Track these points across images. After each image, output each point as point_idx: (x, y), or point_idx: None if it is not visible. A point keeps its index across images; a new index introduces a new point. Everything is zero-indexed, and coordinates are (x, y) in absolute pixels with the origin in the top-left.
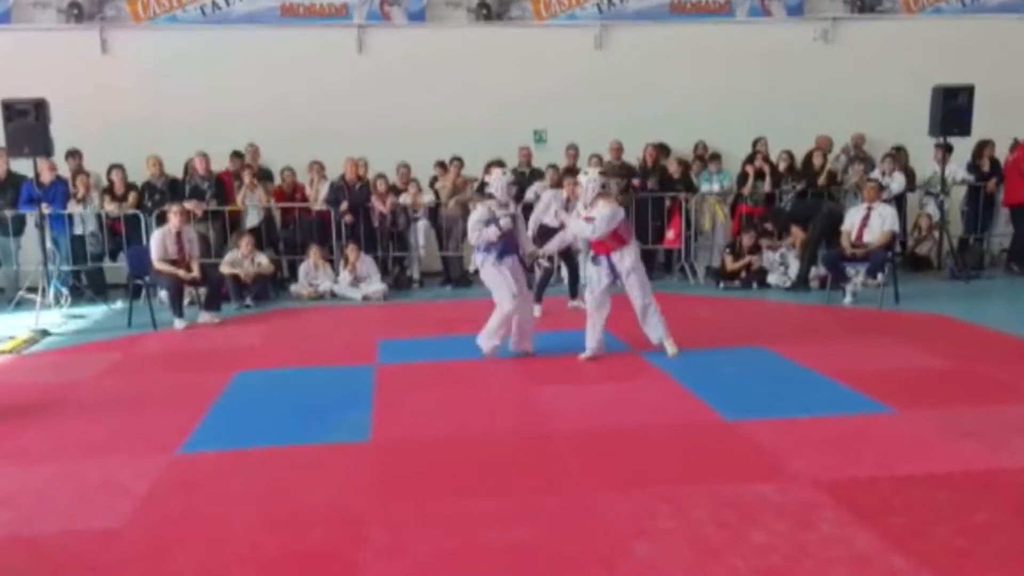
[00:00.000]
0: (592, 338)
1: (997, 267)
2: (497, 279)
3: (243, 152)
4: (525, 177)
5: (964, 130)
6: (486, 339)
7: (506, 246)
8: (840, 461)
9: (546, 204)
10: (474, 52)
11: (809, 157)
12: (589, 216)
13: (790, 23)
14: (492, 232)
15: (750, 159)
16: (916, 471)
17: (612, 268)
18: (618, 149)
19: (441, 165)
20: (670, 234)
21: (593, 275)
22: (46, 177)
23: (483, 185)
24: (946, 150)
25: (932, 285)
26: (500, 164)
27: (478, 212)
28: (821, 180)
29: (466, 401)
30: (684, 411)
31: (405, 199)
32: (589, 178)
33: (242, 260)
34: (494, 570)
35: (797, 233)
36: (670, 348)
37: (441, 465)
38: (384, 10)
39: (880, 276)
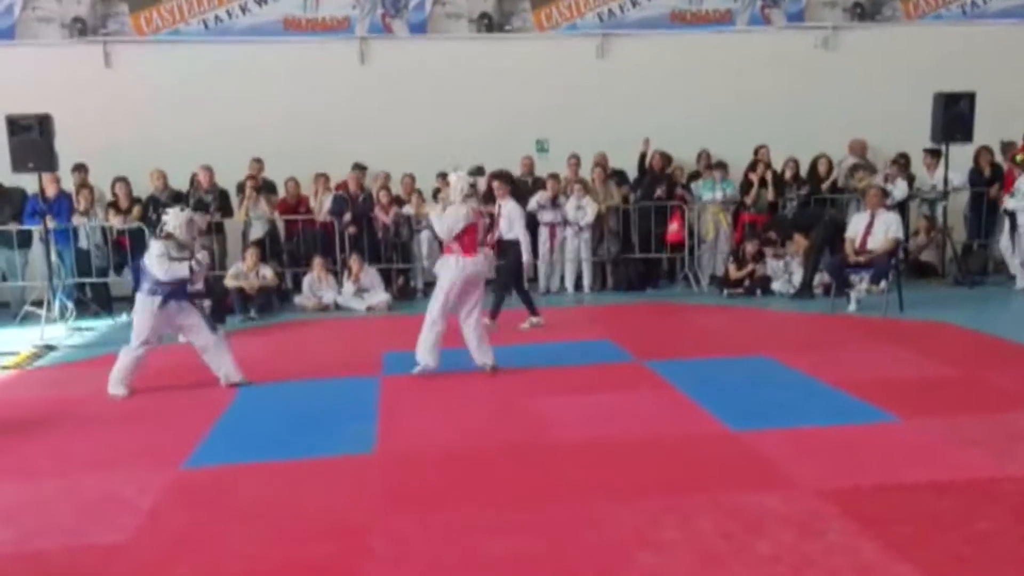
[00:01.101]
0: (428, 352)
1: (1001, 273)
2: (142, 317)
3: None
4: (527, 186)
5: (966, 136)
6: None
7: (174, 291)
8: (845, 470)
9: (507, 218)
10: (476, 63)
11: (814, 164)
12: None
13: (791, 31)
14: (182, 269)
15: (752, 167)
16: (921, 479)
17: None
18: (602, 164)
19: (443, 177)
20: (673, 226)
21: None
22: (50, 191)
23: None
24: (936, 155)
25: (936, 292)
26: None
27: (158, 248)
28: (825, 186)
29: (470, 412)
30: (688, 421)
31: (408, 210)
32: (458, 176)
33: (247, 273)
34: None
35: (800, 241)
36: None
37: (445, 476)
38: (386, 22)
39: (884, 283)
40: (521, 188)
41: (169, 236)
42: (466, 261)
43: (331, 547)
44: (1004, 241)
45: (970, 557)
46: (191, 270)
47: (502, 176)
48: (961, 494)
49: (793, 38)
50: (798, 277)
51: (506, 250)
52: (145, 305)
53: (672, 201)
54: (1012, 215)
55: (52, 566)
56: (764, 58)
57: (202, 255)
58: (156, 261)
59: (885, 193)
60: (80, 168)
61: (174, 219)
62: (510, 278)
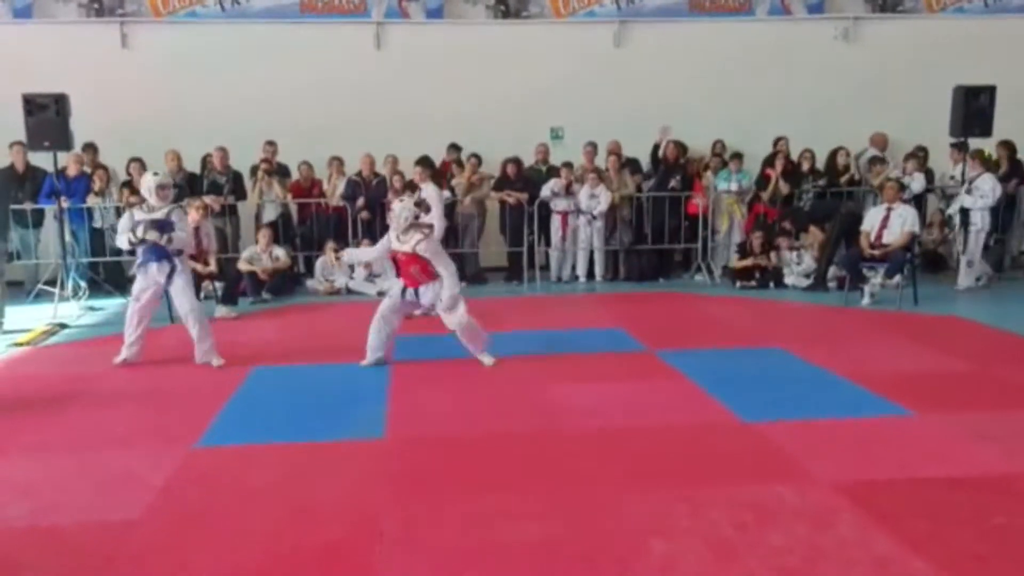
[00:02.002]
0: (378, 344)
1: (1018, 269)
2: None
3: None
4: (541, 175)
5: (985, 131)
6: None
7: (149, 252)
8: (858, 463)
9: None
10: (492, 49)
11: (833, 156)
12: (403, 250)
13: (810, 22)
14: (123, 241)
15: (770, 161)
16: (934, 474)
17: (417, 299)
18: (617, 152)
19: (457, 163)
20: (697, 199)
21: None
22: (73, 170)
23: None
24: (961, 149)
25: (951, 287)
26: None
27: (125, 214)
28: (844, 179)
29: (481, 398)
30: (700, 411)
31: (422, 195)
32: (403, 206)
33: (260, 254)
34: (508, 567)
35: (815, 233)
36: (486, 360)
37: (456, 462)
38: (402, 7)
39: (899, 277)
40: (533, 176)
41: (142, 200)
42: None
43: (341, 531)
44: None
45: (984, 553)
46: (130, 242)
47: (422, 162)
48: (975, 489)
49: (813, 29)
50: (809, 267)
51: None
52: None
53: (687, 192)
54: (966, 213)
55: (65, 541)
56: (783, 49)
57: (178, 235)
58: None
59: (902, 186)
60: (89, 147)
61: (146, 182)
62: None
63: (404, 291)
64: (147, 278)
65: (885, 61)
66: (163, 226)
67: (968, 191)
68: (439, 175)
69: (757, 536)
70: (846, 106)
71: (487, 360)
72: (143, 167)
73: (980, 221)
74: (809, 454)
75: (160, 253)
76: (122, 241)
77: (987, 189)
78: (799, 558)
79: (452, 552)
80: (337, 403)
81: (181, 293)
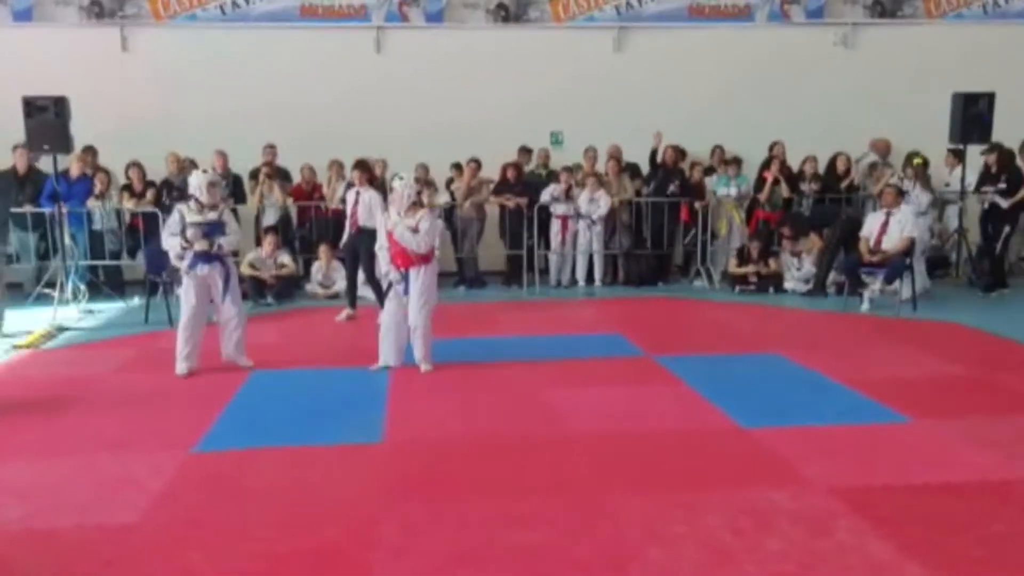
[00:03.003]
0: (393, 351)
1: (1017, 275)
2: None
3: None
4: (541, 179)
5: (984, 137)
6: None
7: (200, 255)
8: (856, 469)
9: (367, 206)
10: (492, 54)
11: (833, 162)
12: (413, 226)
13: (810, 28)
14: (173, 244)
15: (766, 164)
16: (932, 480)
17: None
18: (617, 156)
19: (457, 167)
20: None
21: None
22: (76, 171)
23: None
24: (958, 156)
25: (950, 293)
26: None
27: (173, 217)
28: (843, 185)
29: (479, 403)
30: (698, 416)
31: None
32: (404, 183)
33: (265, 259)
34: (505, 571)
35: (815, 240)
36: (424, 366)
37: (454, 466)
38: (403, 11)
39: (898, 283)
40: (533, 180)
41: (192, 198)
42: None
43: (339, 534)
44: None
45: (982, 559)
46: (180, 247)
47: (361, 165)
48: (973, 496)
49: (812, 35)
50: (808, 272)
51: (364, 238)
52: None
53: (685, 197)
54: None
55: (65, 544)
56: (782, 54)
57: (229, 239)
58: (164, 228)
59: (900, 192)
60: (89, 150)
61: (195, 180)
62: (369, 265)
63: (405, 287)
64: (198, 281)
65: (884, 67)
66: (213, 228)
67: (907, 200)
68: (376, 178)
69: (754, 542)
70: (845, 112)
71: (425, 366)
72: (142, 170)
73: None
74: (807, 460)
75: (210, 255)
76: (172, 244)
77: (913, 196)
78: (796, 564)
79: (449, 557)
80: (336, 407)
81: (230, 296)
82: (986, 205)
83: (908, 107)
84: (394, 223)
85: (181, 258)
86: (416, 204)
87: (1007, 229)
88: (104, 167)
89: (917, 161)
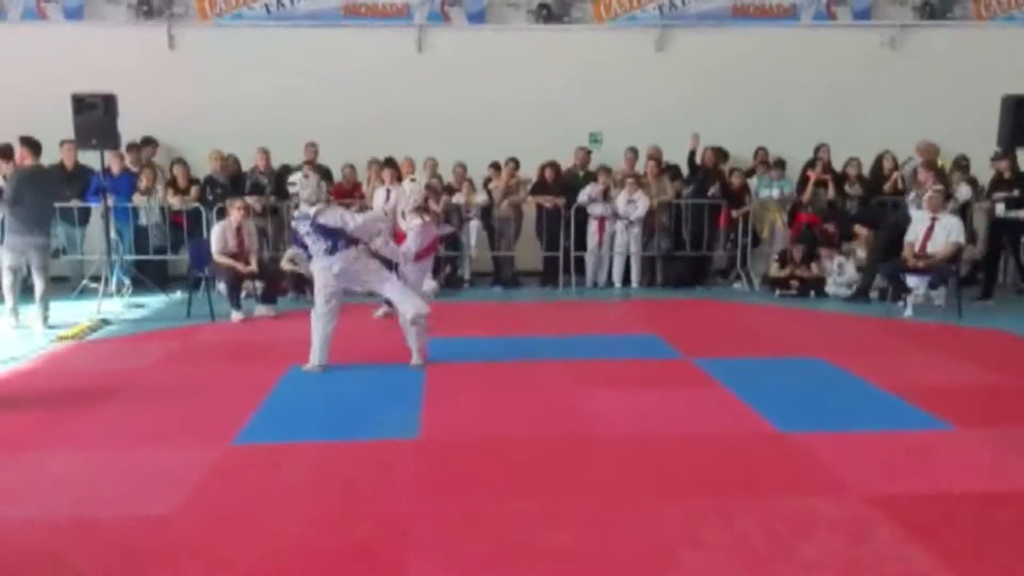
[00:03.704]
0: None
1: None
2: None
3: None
4: (579, 180)
5: None
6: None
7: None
8: (896, 477)
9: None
10: (533, 53)
11: (879, 161)
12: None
13: (856, 29)
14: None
15: (810, 164)
16: (974, 489)
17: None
18: (656, 157)
19: (495, 167)
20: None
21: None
22: (116, 168)
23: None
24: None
25: (996, 300)
26: None
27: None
28: (887, 187)
29: (515, 402)
30: (736, 420)
31: (459, 199)
32: (414, 187)
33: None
34: (539, 572)
35: (861, 232)
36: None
37: (489, 465)
38: (444, 11)
39: (943, 289)
40: (571, 181)
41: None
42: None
43: (374, 530)
44: None
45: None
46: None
47: (390, 163)
48: (1016, 506)
49: (858, 36)
50: (851, 277)
51: None
52: (321, 264)
53: (724, 200)
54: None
55: (102, 534)
56: (828, 56)
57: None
58: (344, 215)
59: (947, 196)
60: (135, 147)
61: (302, 188)
62: None
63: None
64: (339, 276)
65: (932, 69)
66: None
67: (918, 206)
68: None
69: (791, 548)
70: (891, 115)
71: (417, 360)
72: (186, 167)
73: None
74: (846, 466)
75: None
76: (375, 222)
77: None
78: (834, 572)
79: (483, 557)
80: (372, 403)
81: (381, 280)
82: (1000, 214)
83: (956, 110)
84: (399, 223)
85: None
86: (421, 209)
87: None
88: (151, 163)
89: (942, 164)
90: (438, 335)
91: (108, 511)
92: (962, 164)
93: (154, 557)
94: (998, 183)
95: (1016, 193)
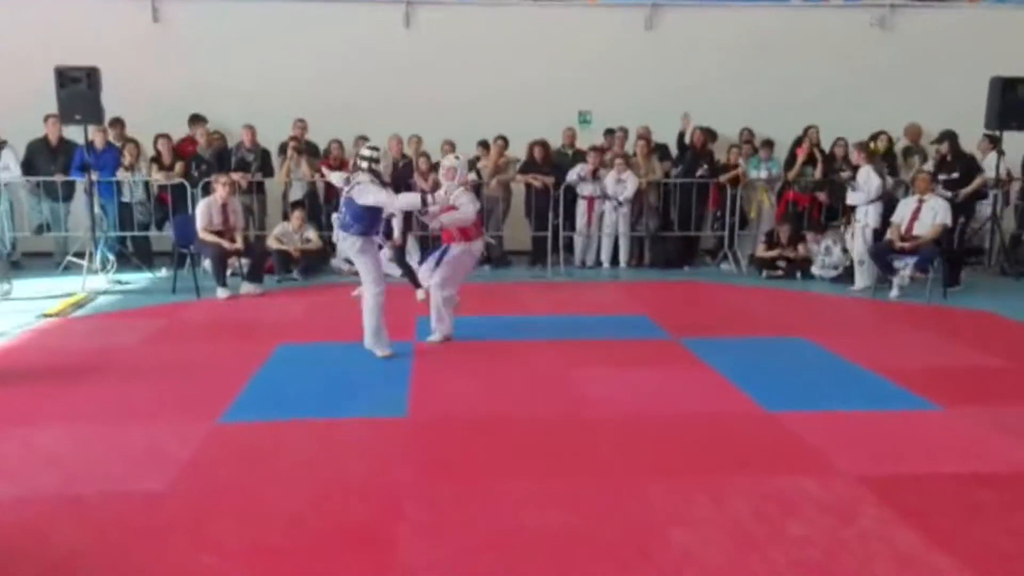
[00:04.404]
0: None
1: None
2: (367, 258)
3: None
4: (568, 158)
5: (1023, 124)
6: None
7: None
8: (883, 457)
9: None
10: (521, 31)
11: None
12: (453, 205)
13: (846, 8)
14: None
15: (799, 142)
16: (961, 470)
17: (440, 256)
18: (646, 137)
19: (483, 145)
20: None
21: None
22: (99, 142)
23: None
24: (993, 142)
25: (981, 281)
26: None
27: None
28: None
29: (504, 381)
30: (724, 400)
31: None
32: (461, 163)
33: (292, 234)
34: (530, 551)
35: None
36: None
37: (478, 444)
38: None
39: (929, 270)
40: (560, 160)
41: (374, 172)
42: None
43: (365, 508)
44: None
45: (1011, 550)
46: (424, 201)
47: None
48: (1003, 486)
49: (848, 16)
50: (839, 259)
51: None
52: (366, 246)
53: (714, 179)
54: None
55: (93, 511)
56: (818, 36)
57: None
58: (382, 196)
59: (934, 178)
60: (116, 123)
61: (385, 157)
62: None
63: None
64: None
65: (921, 50)
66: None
67: (854, 188)
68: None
69: (779, 527)
70: (881, 95)
71: (436, 338)
72: (171, 143)
73: (864, 216)
74: (833, 446)
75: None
76: (411, 200)
77: (861, 182)
78: (821, 550)
79: (474, 535)
80: (360, 381)
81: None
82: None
83: (945, 91)
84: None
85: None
86: (464, 182)
87: (962, 220)
88: (133, 138)
89: (873, 147)
90: (426, 313)
91: (96, 488)
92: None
93: (143, 534)
94: (940, 165)
95: (956, 176)
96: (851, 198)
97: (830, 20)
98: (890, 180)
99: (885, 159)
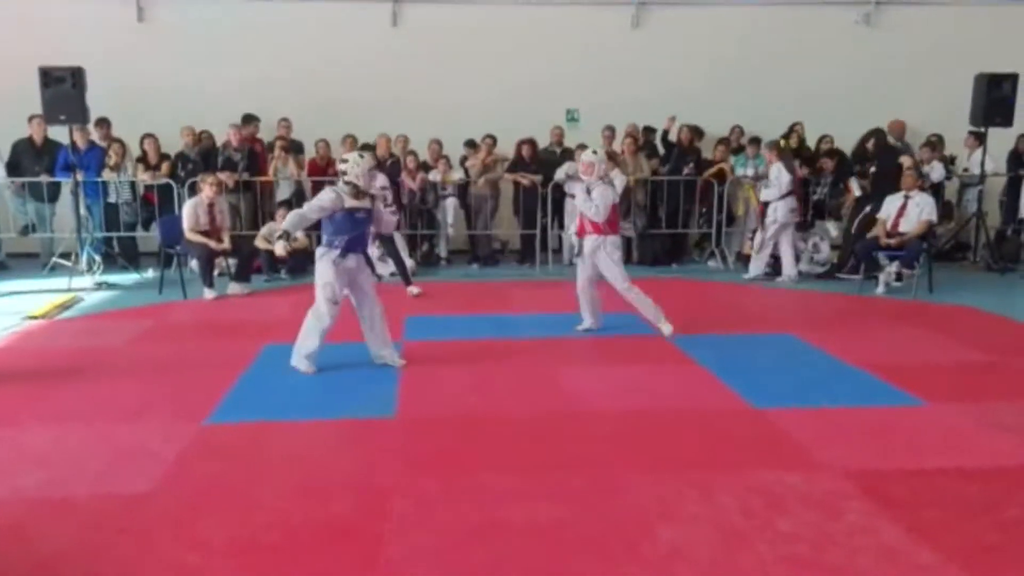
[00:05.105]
0: (588, 314)
1: None
2: (323, 269)
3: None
4: (556, 157)
5: (1006, 120)
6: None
7: (352, 242)
8: (869, 452)
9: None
10: (509, 29)
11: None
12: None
13: (832, 6)
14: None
15: (784, 137)
16: (946, 464)
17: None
18: (634, 135)
19: (471, 145)
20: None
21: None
22: (82, 143)
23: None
24: (978, 139)
25: (967, 277)
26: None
27: (328, 194)
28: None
29: (492, 379)
30: (711, 396)
31: (435, 176)
32: (599, 157)
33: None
34: (517, 547)
35: (853, 186)
36: (665, 328)
37: (466, 442)
38: None
39: (915, 266)
40: (548, 158)
41: (348, 183)
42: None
43: (352, 507)
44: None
45: (995, 544)
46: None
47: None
48: (988, 480)
49: (834, 13)
50: (826, 257)
51: None
52: (324, 256)
53: (700, 176)
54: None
55: (80, 511)
56: (803, 33)
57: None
58: (308, 205)
59: (920, 175)
60: (102, 122)
61: (355, 167)
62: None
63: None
64: (342, 274)
65: (906, 47)
66: (367, 217)
67: (767, 184)
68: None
69: (766, 522)
70: (866, 92)
71: (665, 329)
72: (157, 142)
73: (773, 213)
74: (819, 442)
75: (362, 244)
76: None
77: (773, 179)
78: (808, 545)
79: (461, 531)
80: (348, 381)
81: (367, 294)
82: (857, 192)
83: (930, 88)
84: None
85: (331, 244)
86: (601, 179)
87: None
88: (119, 138)
89: (784, 144)
90: (415, 313)
91: (84, 489)
92: (932, 140)
93: (128, 534)
94: (857, 155)
95: (874, 169)
96: (764, 194)
97: (815, 17)
98: (802, 171)
99: (798, 153)
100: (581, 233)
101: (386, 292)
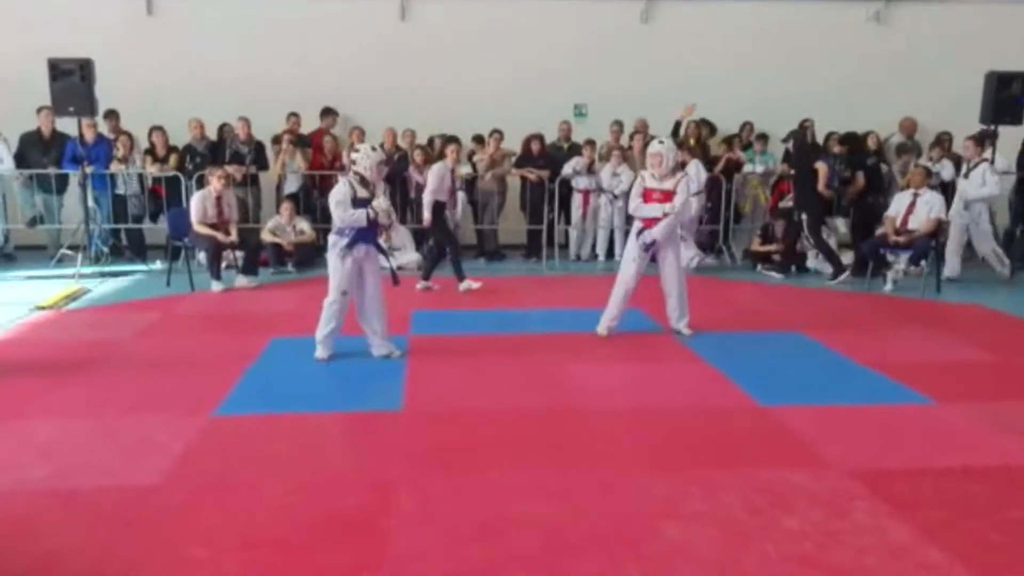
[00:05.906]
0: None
1: None
2: (333, 261)
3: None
4: (563, 152)
5: (1016, 119)
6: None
7: (360, 232)
8: (876, 451)
9: (439, 179)
10: (517, 23)
11: (863, 140)
12: (665, 189)
13: (843, 3)
14: (359, 216)
15: (793, 134)
16: (953, 464)
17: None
18: (643, 131)
19: (479, 140)
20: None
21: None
22: (89, 135)
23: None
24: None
25: (975, 276)
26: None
27: (339, 192)
28: (871, 162)
29: (498, 375)
30: (717, 394)
31: None
32: (667, 147)
33: (284, 226)
34: (521, 543)
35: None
36: (685, 330)
37: (472, 437)
38: None
39: (923, 264)
40: (555, 153)
41: (357, 174)
42: None
43: (359, 501)
44: None
45: (1001, 544)
46: (368, 218)
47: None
48: (994, 480)
49: (845, 10)
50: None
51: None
52: (334, 246)
53: (710, 172)
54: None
55: (87, 504)
56: (814, 30)
57: (381, 202)
58: (333, 205)
59: (929, 173)
60: (111, 115)
61: (365, 159)
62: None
63: (645, 244)
64: (351, 265)
65: (917, 45)
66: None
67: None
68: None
69: (771, 521)
70: (876, 90)
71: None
72: (165, 135)
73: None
74: (826, 440)
75: (373, 236)
76: (355, 216)
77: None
78: (813, 544)
79: (466, 526)
80: (355, 375)
81: (368, 283)
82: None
83: (940, 86)
84: (651, 185)
85: (342, 233)
86: (673, 170)
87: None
88: (127, 131)
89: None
90: (421, 308)
91: (91, 481)
92: (944, 138)
93: (135, 527)
94: (787, 159)
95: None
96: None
97: (826, 14)
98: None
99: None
100: (650, 224)
101: (395, 285)
